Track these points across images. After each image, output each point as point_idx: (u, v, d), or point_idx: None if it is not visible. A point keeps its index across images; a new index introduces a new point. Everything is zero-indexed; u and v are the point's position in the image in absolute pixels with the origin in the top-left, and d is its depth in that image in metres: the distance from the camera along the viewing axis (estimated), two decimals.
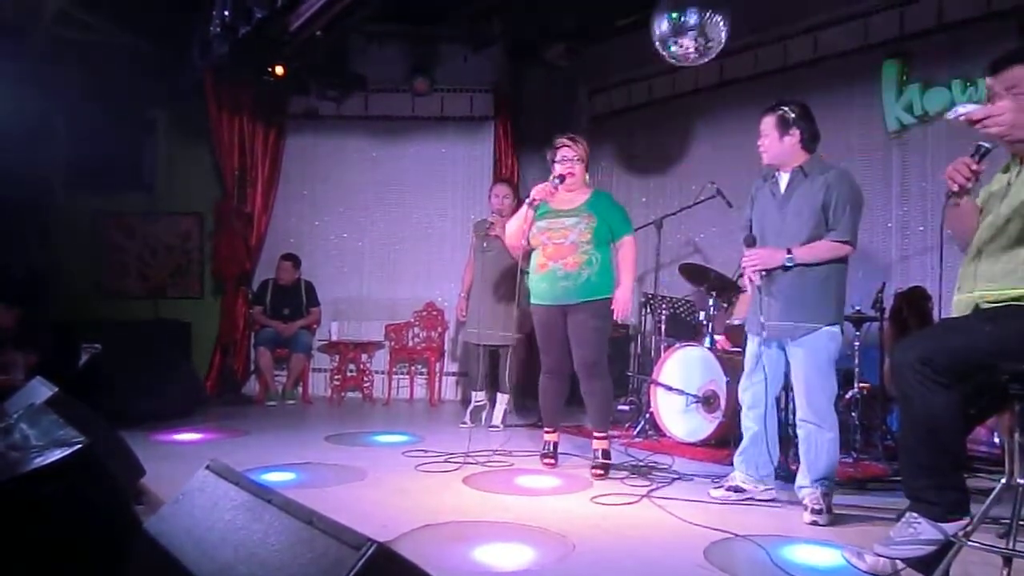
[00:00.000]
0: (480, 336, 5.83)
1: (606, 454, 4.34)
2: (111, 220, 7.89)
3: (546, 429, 4.57)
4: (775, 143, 3.60)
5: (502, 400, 5.88)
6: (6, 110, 6.03)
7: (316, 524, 1.46)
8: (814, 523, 3.33)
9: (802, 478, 3.51)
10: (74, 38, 6.46)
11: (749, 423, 3.72)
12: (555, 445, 4.55)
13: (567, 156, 4.33)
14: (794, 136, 3.56)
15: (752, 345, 3.71)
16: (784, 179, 3.62)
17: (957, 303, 2.61)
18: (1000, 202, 2.53)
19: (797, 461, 4.32)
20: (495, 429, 5.69)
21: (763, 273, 3.52)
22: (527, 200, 4.31)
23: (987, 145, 2.51)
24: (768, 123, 3.63)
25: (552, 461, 4.48)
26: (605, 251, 4.29)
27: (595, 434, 4.35)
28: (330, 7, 5.32)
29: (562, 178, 4.28)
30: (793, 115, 3.57)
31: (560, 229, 4.26)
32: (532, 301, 4.40)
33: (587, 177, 4.47)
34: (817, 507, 3.37)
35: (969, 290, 2.54)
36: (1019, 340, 2.25)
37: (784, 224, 3.55)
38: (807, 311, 3.45)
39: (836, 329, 3.48)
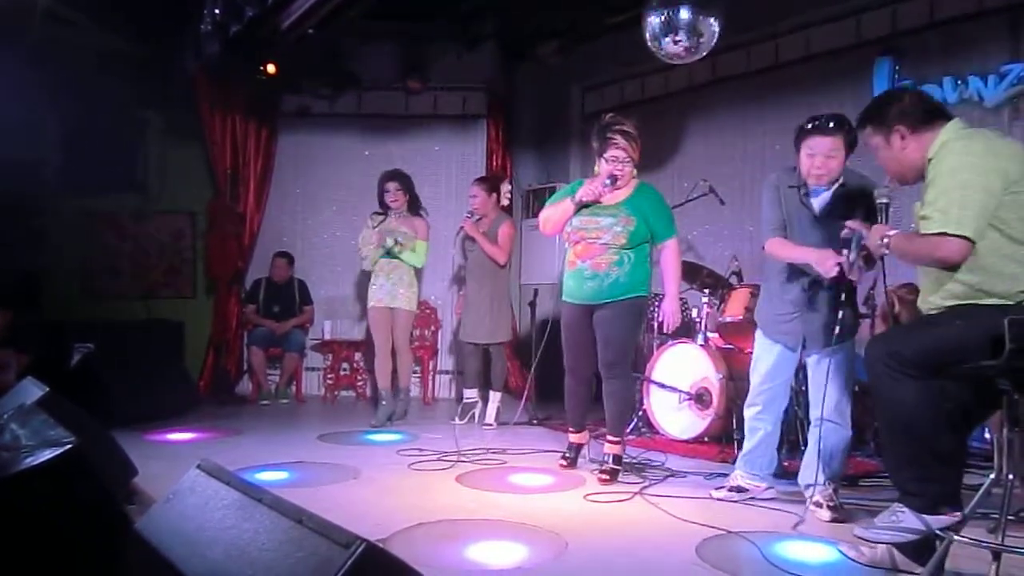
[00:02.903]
0: (468, 334, 5.92)
1: (617, 459, 4.14)
2: (103, 220, 7.86)
3: (569, 430, 4.43)
4: (841, 164, 3.37)
5: (494, 398, 5.89)
6: None
7: (306, 523, 1.46)
8: (834, 520, 3.32)
9: (811, 475, 3.46)
10: (65, 39, 6.43)
11: (761, 424, 3.62)
12: (578, 447, 4.39)
13: (618, 156, 4.00)
14: (850, 153, 3.40)
15: (769, 344, 3.60)
16: (822, 194, 3.44)
17: (922, 301, 2.70)
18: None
19: (791, 458, 4.36)
20: (488, 427, 5.71)
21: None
22: (573, 198, 4.07)
23: (884, 200, 2.97)
24: (838, 143, 3.33)
25: (566, 464, 4.34)
26: (640, 251, 4.04)
27: (608, 437, 4.16)
28: (322, 5, 5.30)
29: (613, 179, 4.00)
30: (855, 131, 3.24)
31: (594, 229, 4.01)
32: (562, 298, 4.23)
33: (634, 171, 4.11)
34: (832, 503, 3.38)
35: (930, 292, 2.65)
36: (987, 337, 2.28)
37: (826, 238, 3.36)
38: (845, 320, 3.37)
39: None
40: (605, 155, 4.04)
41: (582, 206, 4.07)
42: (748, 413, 3.70)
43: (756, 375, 3.67)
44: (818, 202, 3.46)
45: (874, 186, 3.33)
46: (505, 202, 6.18)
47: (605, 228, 3.99)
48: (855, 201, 3.36)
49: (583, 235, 4.05)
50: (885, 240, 2.68)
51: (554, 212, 4.19)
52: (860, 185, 3.41)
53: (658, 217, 4.08)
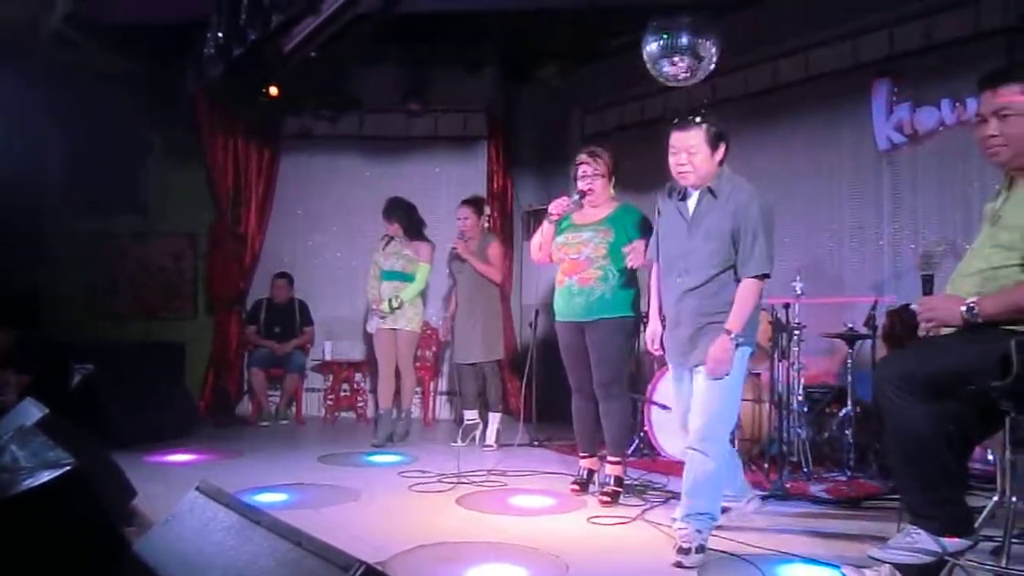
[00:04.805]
0: (461, 355, 5.95)
1: (619, 481, 4.12)
2: (105, 241, 7.88)
3: (580, 454, 4.37)
4: (706, 160, 3.20)
5: (494, 419, 5.87)
6: (2, 132, 6.05)
7: (304, 545, 1.46)
8: (678, 564, 2.98)
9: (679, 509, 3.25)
10: (70, 61, 6.48)
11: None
12: (590, 472, 4.31)
13: (586, 172, 4.19)
14: (720, 152, 3.24)
15: (672, 368, 3.46)
16: (694, 199, 3.28)
17: None
18: (989, 225, 2.55)
19: (794, 479, 4.34)
20: (489, 449, 5.68)
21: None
22: (546, 216, 4.20)
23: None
24: (696, 137, 3.20)
25: (578, 489, 4.25)
26: (625, 267, 4.02)
27: (608, 458, 4.16)
28: (324, 28, 5.34)
29: (582, 194, 4.15)
30: (720, 128, 3.24)
31: (576, 244, 4.13)
32: (555, 319, 4.28)
33: (612, 191, 4.25)
34: (686, 545, 3.02)
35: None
36: (998, 360, 2.26)
37: (692, 247, 3.23)
38: (704, 336, 3.19)
39: (745, 349, 3.20)
40: (577, 176, 4.23)
41: (561, 224, 4.21)
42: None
43: (674, 405, 3.54)
44: (692, 206, 3.28)
45: (756, 196, 3.17)
46: (486, 224, 6.26)
47: (586, 241, 4.12)
48: (725, 210, 3.18)
49: (567, 251, 4.17)
50: (973, 309, 2.35)
51: (538, 236, 4.31)
52: (738, 192, 3.20)
53: (640, 232, 4.08)
